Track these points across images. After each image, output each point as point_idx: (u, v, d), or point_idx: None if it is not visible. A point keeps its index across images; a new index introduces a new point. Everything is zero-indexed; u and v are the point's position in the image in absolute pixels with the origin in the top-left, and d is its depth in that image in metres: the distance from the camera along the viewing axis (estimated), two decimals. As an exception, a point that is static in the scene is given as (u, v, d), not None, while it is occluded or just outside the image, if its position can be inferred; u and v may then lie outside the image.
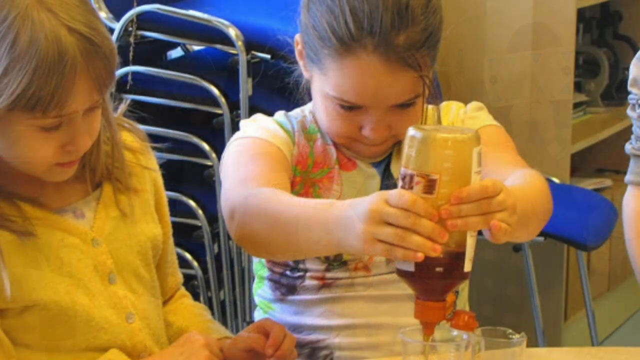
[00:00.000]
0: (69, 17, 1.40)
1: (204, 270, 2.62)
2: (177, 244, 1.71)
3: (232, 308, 2.63)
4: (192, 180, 2.59)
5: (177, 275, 1.68)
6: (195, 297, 1.91)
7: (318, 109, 1.61)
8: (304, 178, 1.63)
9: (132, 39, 2.56)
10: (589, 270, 3.23)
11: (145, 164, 1.60)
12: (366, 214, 1.30)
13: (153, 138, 1.64)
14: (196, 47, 2.83)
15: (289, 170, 1.62)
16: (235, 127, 2.09)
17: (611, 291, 3.55)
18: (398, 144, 1.62)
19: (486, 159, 1.36)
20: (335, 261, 1.62)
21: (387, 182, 1.63)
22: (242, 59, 2.51)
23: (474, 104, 1.70)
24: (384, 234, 1.29)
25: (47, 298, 1.46)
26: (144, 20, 2.58)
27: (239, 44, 2.51)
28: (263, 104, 2.47)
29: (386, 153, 1.64)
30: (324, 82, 1.56)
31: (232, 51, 2.53)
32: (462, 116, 1.67)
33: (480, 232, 1.33)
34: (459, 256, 1.31)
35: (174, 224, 1.67)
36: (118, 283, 1.53)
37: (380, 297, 1.62)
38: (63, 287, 1.48)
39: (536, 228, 1.53)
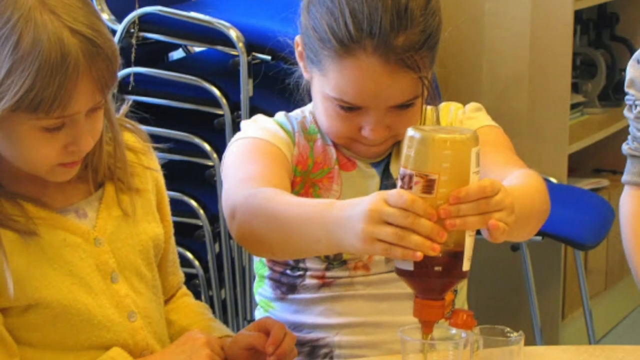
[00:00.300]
0: (71, 19, 1.41)
1: (205, 269, 2.62)
2: (179, 243, 1.71)
3: (233, 307, 2.63)
4: (193, 180, 2.59)
5: (178, 274, 1.68)
6: (197, 296, 1.92)
7: (318, 109, 1.61)
8: (304, 178, 1.63)
9: (134, 41, 2.55)
10: (586, 269, 3.23)
11: (147, 164, 1.60)
12: (365, 213, 1.30)
13: (155, 138, 1.65)
14: (197, 49, 2.83)
15: (289, 170, 1.62)
16: (236, 128, 2.09)
17: (608, 290, 3.54)
18: (397, 145, 1.62)
19: (484, 159, 1.37)
20: (335, 260, 1.62)
21: (387, 182, 1.63)
22: (243, 60, 2.51)
23: (472, 105, 1.70)
24: (383, 233, 1.29)
25: (50, 297, 1.47)
26: (145, 22, 2.58)
27: (240, 45, 2.51)
28: (263, 105, 2.47)
29: (385, 153, 1.64)
30: (324, 83, 1.56)
31: (233, 52, 2.53)
32: (461, 117, 1.67)
33: (478, 232, 1.33)
34: (458, 255, 1.32)
35: (176, 224, 1.67)
36: (120, 282, 1.53)
37: (380, 295, 1.62)
38: (66, 286, 1.48)
39: (534, 227, 1.54)
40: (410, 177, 1.30)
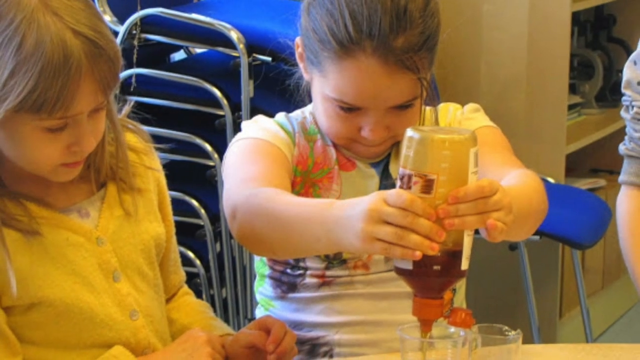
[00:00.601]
0: (74, 21, 1.41)
1: (207, 268, 2.62)
2: (180, 242, 1.71)
3: (233, 305, 2.63)
4: (194, 180, 2.59)
5: (180, 273, 1.68)
6: (198, 294, 1.91)
7: (318, 110, 1.62)
8: (305, 178, 1.64)
9: (135, 42, 2.55)
10: (583, 268, 3.23)
11: (148, 165, 1.60)
12: (365, 213, 1.30)
13: (156, 139, 1.65)
14: (199, 50, 2.83)
15: (289, 170, 1.62)
16: (237, 128, 2.09)
17: (605, 289, 3.54)
18: (396, 145, 1.62)
19: (483, 160, 1.37)
20: (335, 259, 1.63)
21: (386, 182, 1.63)
22: (244, 61, 2.51)
23: (470, 106, 1.70)
24: (382, 232, 1.29)
25: (53, 296, 1.47)
26: (147, 24, 2.58)
27: (241, 46, 2.51)
28: (264, 106, 2.47)
29: (385, 154, 1.65)
30: (324, 84, 1.57)
31: (234, 54, 2.53)
32: (459, 117, 1.68)
33: (477, 231, 1.34)
34: (456, 255, 1.32)
35: (177, 223, 1.67)
36: (122, 281, 1.53)
37: (379, 294, 1.63)
38: (68, 285, 1.48)
39: (532, 227, 1.54)
40: (409, 177, 1.30)
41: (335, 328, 1.64)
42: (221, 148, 2.39)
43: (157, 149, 1.64)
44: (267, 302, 1.70)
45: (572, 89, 3.50)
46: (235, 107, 2.55)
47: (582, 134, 3.37)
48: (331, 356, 1.64)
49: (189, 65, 2.79)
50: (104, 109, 1.48)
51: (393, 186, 1.37)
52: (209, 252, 2.61)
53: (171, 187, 1.67)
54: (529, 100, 3.15)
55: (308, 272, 1.64)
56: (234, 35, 2.52)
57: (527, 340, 1.49)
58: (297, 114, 1.68)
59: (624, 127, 1.89)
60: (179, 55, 2.91)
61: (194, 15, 2.55)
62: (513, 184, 1.49)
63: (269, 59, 2.49)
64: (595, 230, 2.88)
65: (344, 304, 1.63)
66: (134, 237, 1.56)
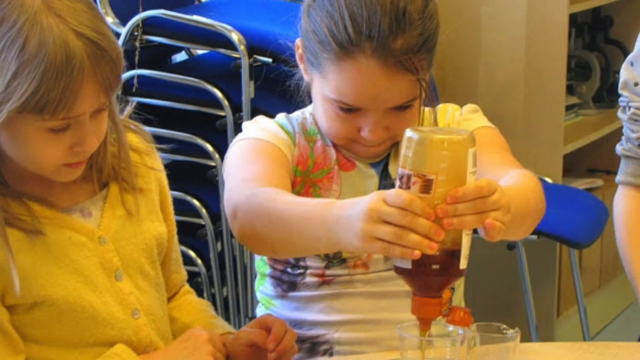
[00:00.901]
0: (76, 22, 1.41)
1: (208, 267, 2.62)
2: (182, 242, 1.72)
3: (234, 304, 2.63)
4: (196, 180, 2.59)
5: (181, 273, 1.68)
6: (199, 293, 1.91)
7: (318, 111, 1.62)
8: (305, 178, 1.64)
9: (137, 43, 2.56)
10: (580, 267, 3.22)
11: (150, 165, 1.61)
12: (364, 212, 1.31)
13: (158, 139, 1.65)
14: (200, 51, 2.82)
15: (289, 170, 1.62)
16: (237, 129, 2.09)
17: (602, 288, 3.53)
18: (396, 145, 1.62)
19: (481, 160, 1.37)
20: (335, 259, 1.63)
21: (385, 182, 1.64)
22: (245, 62, 2.52)
23: (469, 106, 1.70)
24: (382, 232, 1.30)
25: (56, 295, 1.47)
26: (149, 25, 2.58)
27: (242, 48, 2.51)
28: (265, 106, 2.47)
29: (384, 154, 1.65)
30: (324, 85, 1.57)
31: (235, 55, 2.53)
32: (458, 118, 1.68)
33: (475, 231, 1.34)
34: (455, 254, 1.33)
35: (179, 223, 1.67)
36: (124, 280, 1.53)
37: (379, 293, 1.63)
38: (71, 284, 1.48)
39: (530, 226, 1.54)
40: (409, 177, 1.31)
41: (335, 326, 1.64)
42: (222, 148, 2.39)
43: (159, 149, 1.65)
44: (267, 300, 1.70)
45: (570, 90, 3.49)
46: (236, 108, 2.55)
47: (579, 135, 3.36)
48: (331, 354, 1.64)
49: (190, 67, 2.79)
50: (106, 110, 1.48)
51: (392, 186, 1.37)
52: (210, 251, 2.61)
53: (173, 187, 1.67)
54: (527, 101, 3.15)
55: (308, 271, 1.64)
56: (235, 36, 2.52)
57: (525, 338, 1.49)
58: (297, 114, 1.69)
59: (621, 127, 1.89)
60: (181, 57, 2.90)
61: (195, 17, 2.55)
62: (511, 183, 1.49)
63: (269, 60, 2.49)
64: (593, 229, 2.88)
65: (344, 302, 1.64)
66: (135, 236, 1.56)
